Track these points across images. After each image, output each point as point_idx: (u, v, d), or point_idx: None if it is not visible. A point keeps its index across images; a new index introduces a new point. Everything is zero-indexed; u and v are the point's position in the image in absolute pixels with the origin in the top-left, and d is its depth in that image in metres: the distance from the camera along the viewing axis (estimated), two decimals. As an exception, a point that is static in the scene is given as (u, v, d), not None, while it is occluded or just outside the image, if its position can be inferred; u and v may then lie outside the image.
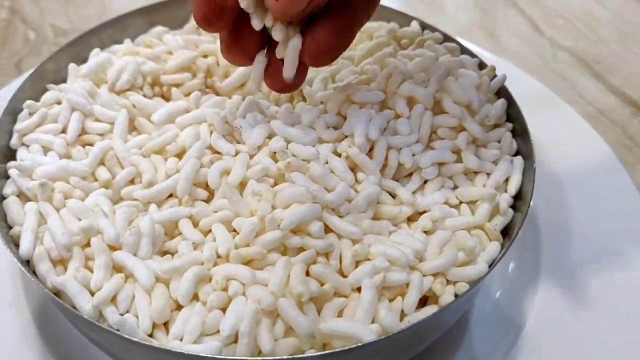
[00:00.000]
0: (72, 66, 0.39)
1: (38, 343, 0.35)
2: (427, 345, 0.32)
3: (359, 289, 0.29)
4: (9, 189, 0.33)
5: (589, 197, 0.43)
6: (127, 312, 0.28)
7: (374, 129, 0.32)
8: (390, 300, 0.29)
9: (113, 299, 0.28)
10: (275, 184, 0.32)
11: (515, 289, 0.38)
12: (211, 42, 0.41)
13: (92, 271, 0.29)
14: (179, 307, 0.28)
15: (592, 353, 0.35)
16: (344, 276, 0.29)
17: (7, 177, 0.34)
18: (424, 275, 0.29)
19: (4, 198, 0.33)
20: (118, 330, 0.27)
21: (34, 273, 0.29)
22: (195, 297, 0.28)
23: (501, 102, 0.36)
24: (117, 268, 0.29)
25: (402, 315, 0.29)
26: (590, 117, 0.53)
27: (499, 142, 0.35)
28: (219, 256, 0.29)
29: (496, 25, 0.66)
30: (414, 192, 0.33)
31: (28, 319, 0.36)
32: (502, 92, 0.37)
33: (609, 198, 0.42)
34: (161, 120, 0.35)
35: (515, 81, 0.49)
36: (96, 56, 0.40)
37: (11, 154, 0.35)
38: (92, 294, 0.28)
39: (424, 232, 0.31)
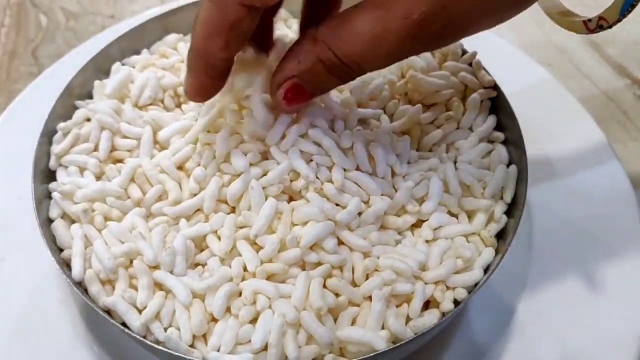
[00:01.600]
0: (97, 83, 0.42)
1: (89, 340, 0.39)
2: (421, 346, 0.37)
3: (369, 297, 0.33)
4: (54, 212, 0.37)
5: (580, 182, 0.46)
6: (170, 325, 0.33)
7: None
8: (397, 307, 0.33)
9: (157, 315, 0.33)
10: (291, 198, 0.35)
11: (508, 273, 0.42)
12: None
13: (136, 289, 0.33)
14: (214, 319, 0.33)
15: (581, 335, 0.39)
16: (356, 286, 0.33)
17: (51, 196, 0.37)
18: (426, 283, 0.33)
19: (50, 219, 0.37)
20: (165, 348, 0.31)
21: (86, 292, 0.34)
22: (228, 310, 0.33)
23: (491, 120, 0.39)
24: (157, 284, 0.34)
25: (407, 319, 0.33)
26: (586, 92, 0.56)
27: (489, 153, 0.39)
28: (245, 270, 0.33)
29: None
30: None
31: (77, 316, 0.41)
32: (499, 100, 0.40)
33: (599, 184, 0.45)
34: (166, 138, 0.38)
35: (514, 64, 0.52)
36: (117, 72, 0.42)
37: (51, 174, 0.39)
38: (139, 311, 0.33)
39: (426, 241, 0.35)
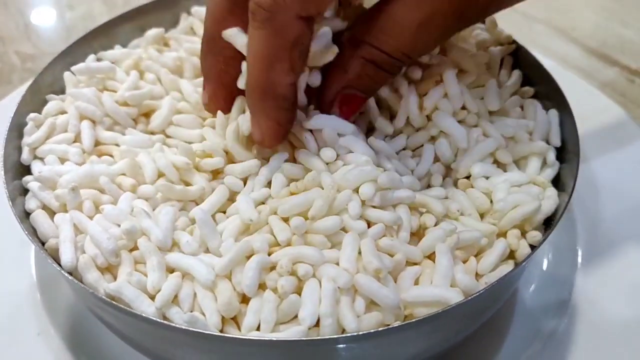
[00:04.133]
0: (67, 74, 0.36)
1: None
2: (495, 310, 0.31)
3: (429, 257, 0.27)
4: (32, 203, 0.30)
5: (611, 155, 0.42)
6: (191, 311, 0.26)
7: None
8: (464, 262, 0.28)
9: (174, 300, 0.26)
10: None
11: (559, 259, 0.38)
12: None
13: (144, 274, 0.27)
14: (244, 301, 0.26)
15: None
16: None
17: (24, 193, 0.31)
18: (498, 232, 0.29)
19: (27, 214, 0.30)
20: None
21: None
22: (261, 287, 0.26)
23: (517, 74, 0.36)
24: (169, 268, 0.27)
25: (477, 276, 0.28)
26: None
27: (521, 108, 0.35)
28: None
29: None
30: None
31: (59, 345, 0.33)
32: (521, 55, 0.37)
33: (629, 154, 0.42)
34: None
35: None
36: (94, 62, 0.37)
37: (23, 170, 0.32)
38: (150, 297, 0.26)
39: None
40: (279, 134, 0.30)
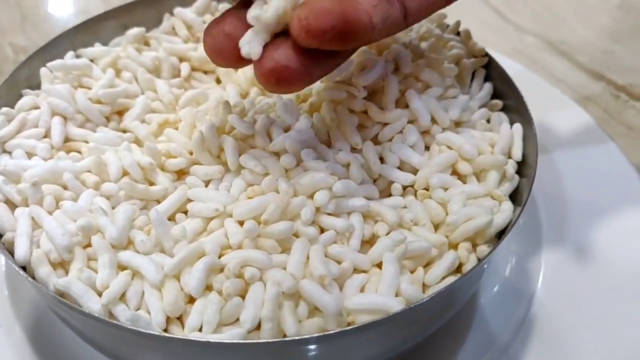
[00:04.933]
0: (44, 70, 0.37)
1: (35, 360, 0.33)
2: (447, 319, 0.32)
3: (378, 265, 0.28)
4: (-6, 196, 0.31)
5: (580, 166, 0.43)
6: (138, 309, 0.27)
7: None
8: (411, 272, 0.28)
9: (122, 297, 0.27)
10: None
11: (520, 268, 0.38)
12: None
13: (95, 271, 0.27)
14: (191, 302, 0.27)
15: (601, 309, 0.35)
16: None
17: (-11, 187, 0.32)
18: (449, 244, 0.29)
19: (-11, 206, 0.31)
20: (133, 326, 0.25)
21: (33, 278, 0.28)
22: (208, 288, 0.27)
23: (487, 87, 0.36)
24: (122, 266, 0.28)
25: (424, 287, 0.28)
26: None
27: (488, 121, 0.35)
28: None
29: (458, 14, 0.66)
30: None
31: (21, 338, 0.34)
32: (493, 69, 0.37)
33: (599, 167, 0.43)
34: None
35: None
36: (72, 58, 0.38)
37: (-9, 163, 0.33)
38: (99, 294, 0.27)
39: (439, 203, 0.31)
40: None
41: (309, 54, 0.25)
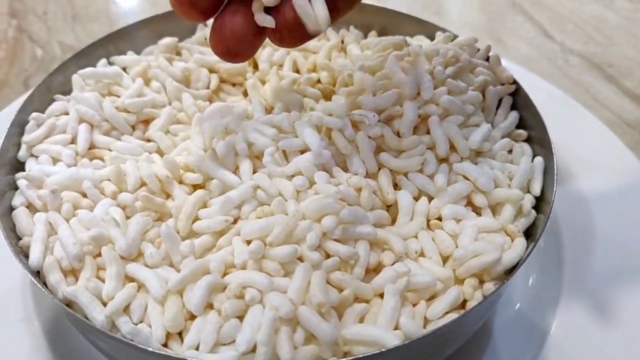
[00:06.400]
0: (75, 77, 0.38)
1: (49, 357, 0.34)
2: (450, 352, 0.31)
3: (381, 295, 0.28)
4: (17, 200, 0.32)
5: (612, 204, 0.41)
6: (141, 322, 0.27)
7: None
8: (414, 305, 0.28)
9: (126, 309, 0.27)
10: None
11: (537, 299, 0.37)
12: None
13: (103, 281, 0.28)
14: (193, 317, 0.27)
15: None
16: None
17: (16, 188, 0.33)
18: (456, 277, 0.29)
19: (13, 209, 0.32)
20: (132, 340, 0.26)
21: (45, 284, 0.29)
22: (210, 307, 0.27)
23: (513, 116, 0.36)
24: (129, 278, 0.29)
25: (426, 321, 0.28)
26: (606, 121, 0.52)
27: (510, 152, 0.34)
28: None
29: (503, 32, 0.65)
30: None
31: (39, 333, 0.35)
32: (520, 97, 0.36)
33: (633, 204, 0.41)
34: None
35: (529, 86, 0.49)
36: (104, 67, 0.39)
37: (20, 166, 0.35)
38: (104, 304, 0.27)
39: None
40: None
41: None
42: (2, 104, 0.55)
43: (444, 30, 0.41)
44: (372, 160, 0.32)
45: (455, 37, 0.40)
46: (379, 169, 0.32)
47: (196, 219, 0.31)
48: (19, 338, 0.35)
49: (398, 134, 0.33)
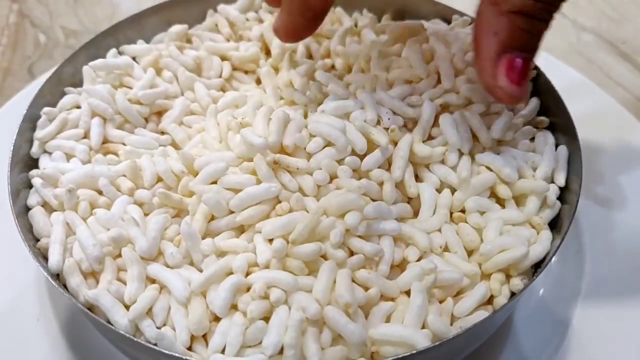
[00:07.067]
0: (86, 69, 0.37)
1: (68, 357, 0.33)
2: (475, 348, 0.31)
3: (407, 292, 0.27)
4: (33, 199, 0.31)
5: (630, 186, 0.41)
6: (164, 325, 0.27)
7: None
8: (440, 302, 0.27)
9: (149, 312, 0.27)
10: None
11: (558, 287, 0.36)
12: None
13: (124, 283, 0.28)
14: (217, 318, 0.27)
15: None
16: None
17: (30, 186, 0.32)
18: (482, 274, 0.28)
19: (28, 208, 0.31)
20: (156, 345, 0.25)
21: (65, 287, 0.28)
22: (234, 307, 0.27)
23: (534, 103, 0.35)
24: (150, 279, 0.28)
25: (453, 318, 0.27)
26: (620, 99, 0.51)
27: (532, 140, 0.34)
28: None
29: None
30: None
31: (56, 332, 0.35)
32: (541, 83, 0.36)
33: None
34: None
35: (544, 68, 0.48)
36: (115, 57, 0.38)
37: (33, 163, 0.34)
38: (126, 306, 0.27)
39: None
40: (293, 36, 0.33)
41: None
42: (9, 93, 0.54)
43: (461, 13, 0.39)
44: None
45: (473, 20, 0.38)
46: None
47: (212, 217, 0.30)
48: (36, 338, 0.34)
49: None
